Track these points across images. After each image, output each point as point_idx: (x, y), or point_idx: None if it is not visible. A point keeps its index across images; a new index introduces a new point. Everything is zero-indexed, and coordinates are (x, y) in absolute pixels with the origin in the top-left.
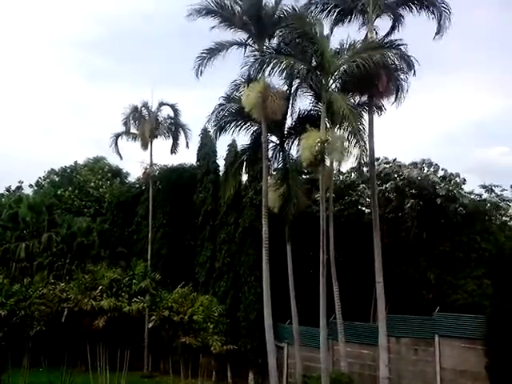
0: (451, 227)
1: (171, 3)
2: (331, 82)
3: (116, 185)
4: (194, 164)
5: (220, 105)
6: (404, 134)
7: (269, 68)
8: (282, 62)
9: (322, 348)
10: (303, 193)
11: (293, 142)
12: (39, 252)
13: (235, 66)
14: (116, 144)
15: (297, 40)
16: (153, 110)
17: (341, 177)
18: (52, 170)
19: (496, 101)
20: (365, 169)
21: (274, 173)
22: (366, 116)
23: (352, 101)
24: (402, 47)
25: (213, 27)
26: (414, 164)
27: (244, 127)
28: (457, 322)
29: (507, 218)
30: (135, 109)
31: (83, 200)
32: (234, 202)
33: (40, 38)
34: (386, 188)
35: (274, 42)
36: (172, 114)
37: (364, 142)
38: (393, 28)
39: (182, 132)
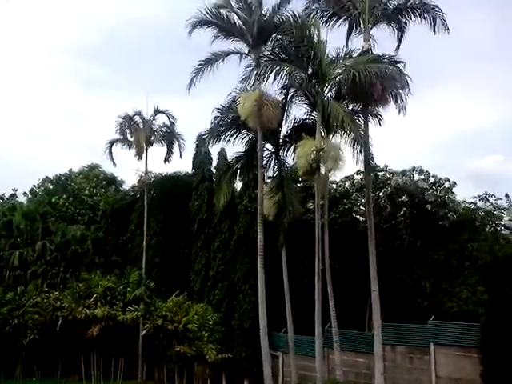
0: (443, 234)
1: (169, 12)
2: (327, 90)
3: (110, 193)
4: (189, 172)
5: (216, 117)
6: (399, 142)
7: (272, 74)
8: (284, 69)
9: (317, 357)
10: (298, 201)
11: (288, 150)
12: (33, 260)
13: (232, 73)
14: (110, 151)
15: (294, 48)
16: (147, 118)
17: (334, 185)
18: (46, 177)
19: (491, 110)
20: (358, 177)
21: (269, 180)
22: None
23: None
24: (399, 65)
25: (212, 40)
26: (404, 172)
27: (239, 135)
28: (452, 330)
29: (501, 227)
30: (128, 117)
31: (77, 208)
32: (229, 209)
33: (36, 46)
34: (379, 195)
35: (269, 46)
36: (167, 122)
37: (361, 149)
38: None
39: (176, 142)
